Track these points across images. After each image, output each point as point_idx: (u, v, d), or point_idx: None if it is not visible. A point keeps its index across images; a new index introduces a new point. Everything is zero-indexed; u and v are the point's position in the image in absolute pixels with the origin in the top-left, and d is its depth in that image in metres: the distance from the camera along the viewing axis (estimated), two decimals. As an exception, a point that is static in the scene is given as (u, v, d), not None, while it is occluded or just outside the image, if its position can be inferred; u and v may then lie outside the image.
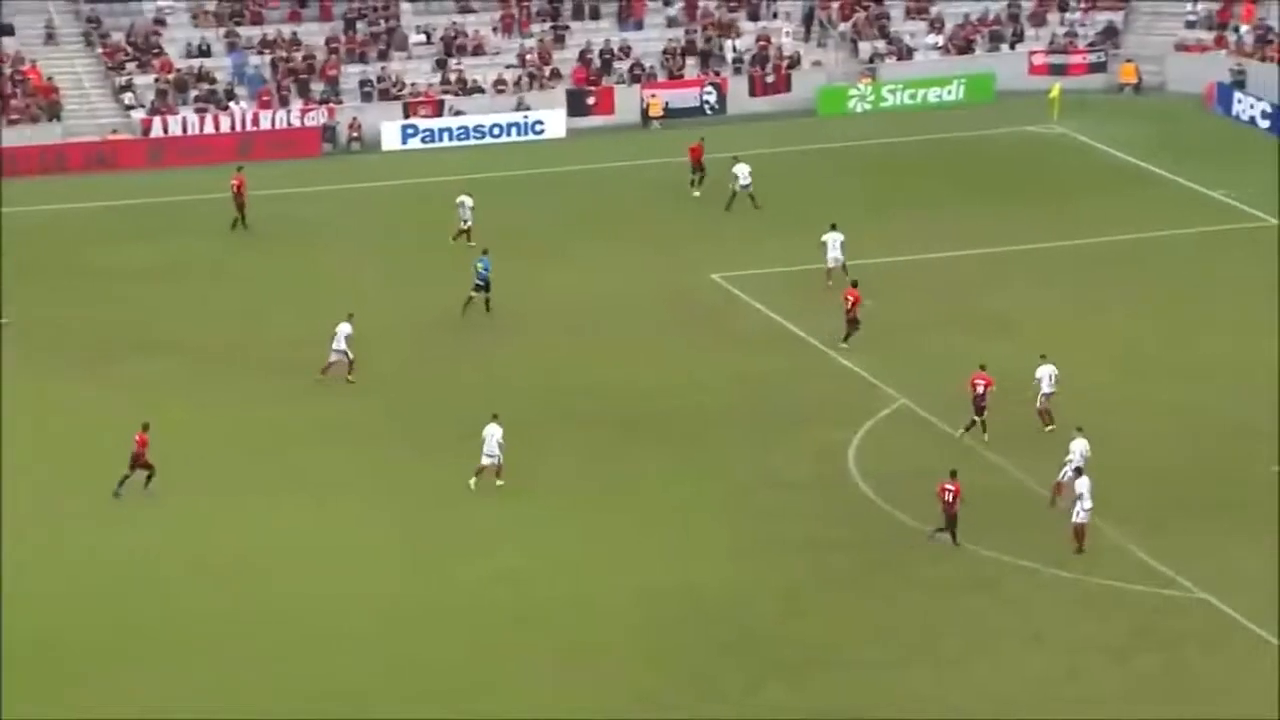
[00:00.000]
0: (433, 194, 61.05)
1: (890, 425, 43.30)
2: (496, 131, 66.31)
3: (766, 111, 68.14)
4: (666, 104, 67.82)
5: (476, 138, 66.10)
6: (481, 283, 49.13)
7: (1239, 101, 65.60)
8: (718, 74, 69.08)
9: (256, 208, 56.92)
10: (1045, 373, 42.05)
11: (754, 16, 71.35)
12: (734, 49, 69.84)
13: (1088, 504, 37.14)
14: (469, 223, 54.45)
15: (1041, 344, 44.69)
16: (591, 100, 67.76)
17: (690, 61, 69.56)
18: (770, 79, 69.02)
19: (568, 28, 70.44)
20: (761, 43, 69.95)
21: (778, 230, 56.14)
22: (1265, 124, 64.31)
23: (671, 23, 70.90)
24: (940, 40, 70.54)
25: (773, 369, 46.47)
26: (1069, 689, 32.82)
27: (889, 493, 39.95)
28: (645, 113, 67.66)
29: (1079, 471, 37.94)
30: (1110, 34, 70.80)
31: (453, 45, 68.92)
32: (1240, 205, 57.16)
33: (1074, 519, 37.24)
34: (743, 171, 56.69)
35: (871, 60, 69.95)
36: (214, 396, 44.94)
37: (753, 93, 68.73)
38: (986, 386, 41.55)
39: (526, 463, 41.29)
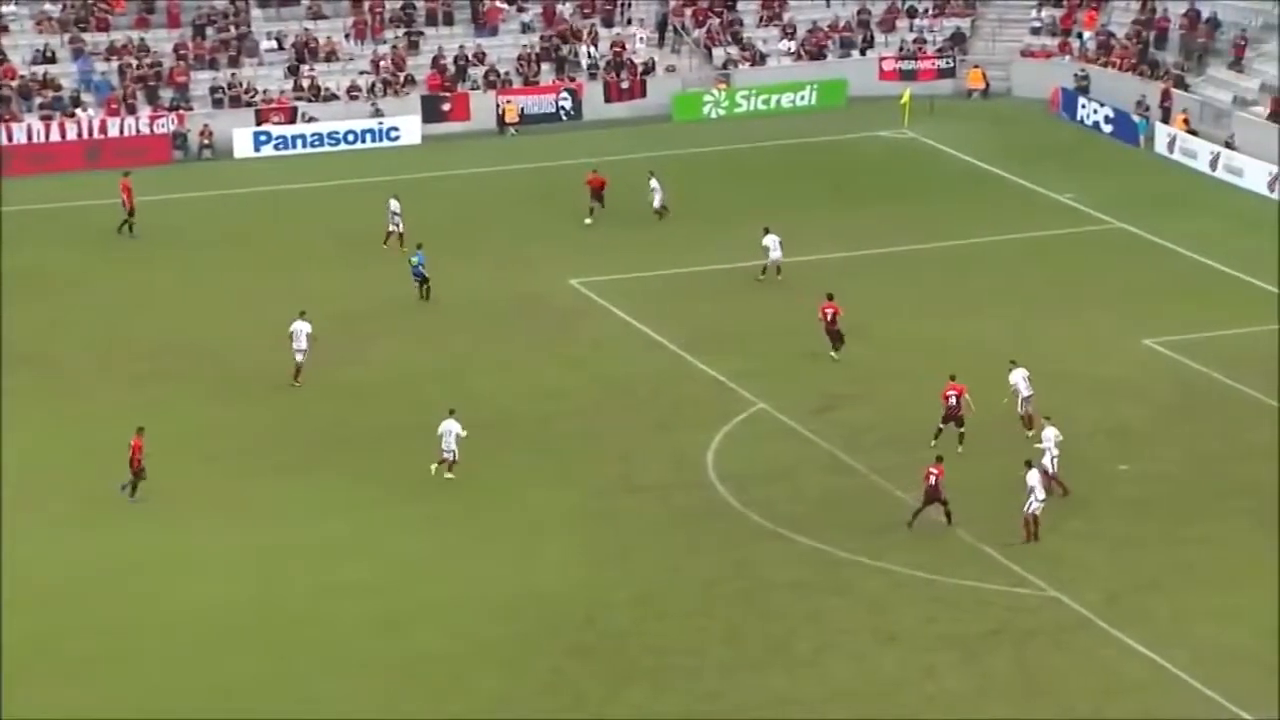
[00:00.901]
0: (288, 201, 60.71)
1: (748, 428, 43.61)
2: (351, 138, 65.89)
3: (622, 117, 68.35)
4: (522, 110, 67.78)
5: (331, 144, 65.62)
6: (417, 277, 50.43)
7: (1083, 106, 66.85)
8: (573, 80, 69.18)
9: (109, 216, 56.15)
10: (1019, 377, 41.72)
11: (608, 23, 71.53)
12: (589, 55, 69.98)
13: (1040, 495, 37.55)
14: (399, 227, 54.46)
15: (894, 346, 45.26)
16: (447, 106, 67.53)
17: (545, 67, 69.59)
18: (625, 85, 69.22)
19: (421, 34, 70.14)
20: (616, 49, 70.16)
21: (635, 235, 56.32)
22: (1108, 128, 65.60)
23: (526, 29, 70.86)
24: (792, 46, 71.20)
25: (631, 373, 46.61)
26: (923, 687, 33.23)
27: (746, 495, 40.23)
28: (501, 119, 67.57)
29: (1029, 464, 38.30)
30: (958, 40, 71.87)
31: (305, 51, 68.36)
32: (1085, 208, 58.23)
33: (1025, 509, 37.58)
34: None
35: (725, 66, 70.44)
36: (74, 409, 44.28)
37: (608, 98, 68.91)
38: (959, 395, 41.31)
39: (381, 470, 41.11)
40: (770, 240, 51.39)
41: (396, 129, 66.25)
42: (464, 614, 35.74)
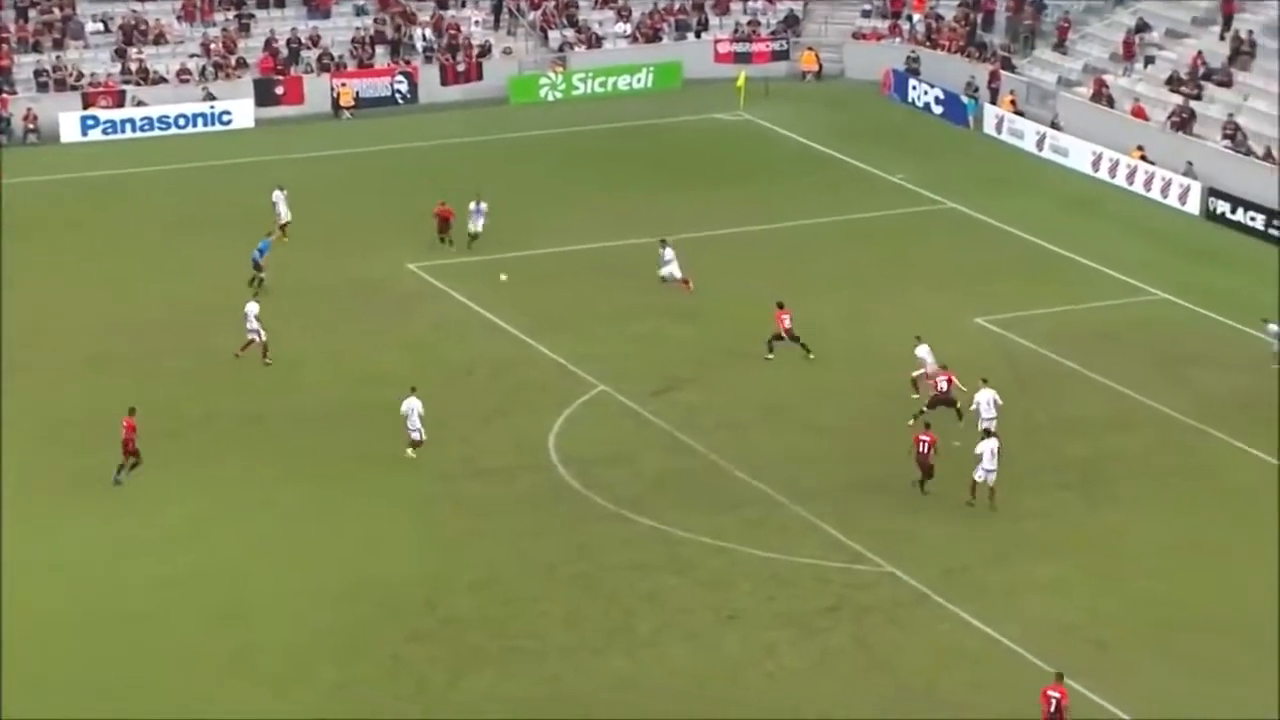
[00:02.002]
0: (117, 186, 59.66)
1: (589, 411, 43.70)
2: (182, 122, 64.90)
3: (458, 100, 68.05)
4: (357, 93, 67.21)
5: (161, 128, 64.59)
6: (255, 265, 49.44)
7: (913, 88, 67.76)
8: (408, 63, 68.72)
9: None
10: (985, 398, 40.98)
11: (443, 5, 71.13)
12: (424, 38, 69.54)
13: (989, 465, 38.01)
14: (286, 217, 53.29)
15: (730, 327, 45.55)
16: (280, 90, 66.76)
17: (380, 50, 69.04)
18: (461, 68, 68.91)
19: (253, 16, 69.24)
20: (451, 31, 69.79)
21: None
22: (938, 110, 66.57)
23: (360, 11, 70.23)
24: (628, 29, 71.32)
25: (471, 357, 46.49)
26: (762, 665, 33.58)
27: (588, 478, 40.34)
28: (336, 102, 66.94)
29: (987, 433, 38.65)
30: (791, 23, 72.46)
31: (132, 34, 67.17)
32: (916, 189, 59.07)
33: (974, 474, 38.13)
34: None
35: (561, 49, 70.39)
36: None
37: (444, 81, 68.55)
38: (949, 381, 41.28)
39: (214, 459, 40.63)
40: (668, 254, 49.67)
41: (229, 113, 65.36)
42: (302, 602, 35.45)
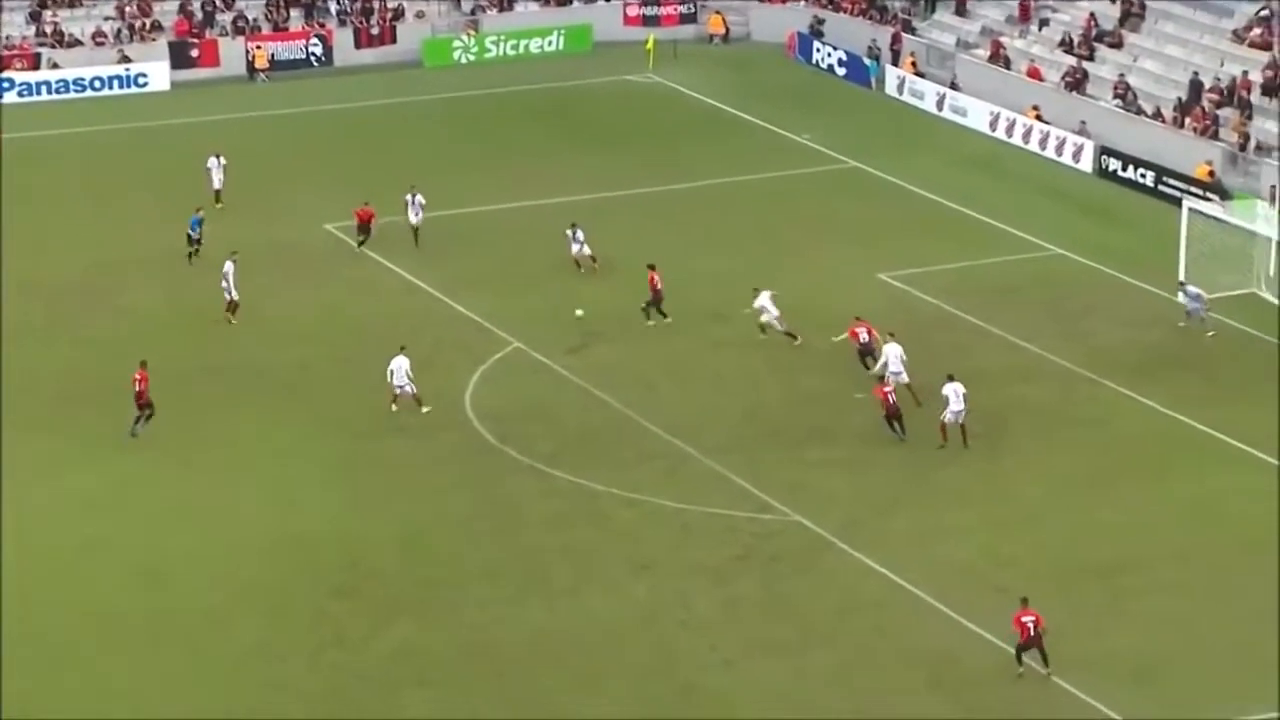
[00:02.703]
0: (34, 149, 58.89)
1: (504, 368, 43.73)
2: (98, 85, 64.19)
3: (373, 63, 67.62)
4: (272, 56, 66.65)
5: (77, 91, 63.87)
6: (191, 236, 48.47)
7: (818, 50, 67.97)
8: (323, 25, 68.17)
9: None
10: (893, 352, 40.94)
11: (357, -31, 70.60)
12: (338, 1, 69.00)
13: (956, 406, 38.62)
14: (218, 184, 52.24)
15: (643, 284, 45.62)
16: (195, 53, 66.12)
17: (295, 14, 68.45)
18: (376, 31, 68.46)
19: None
20: (365, -5, 69.35)
21: (390, 180, 55.86)
22: (842, 71, 66.83)
23: (274, -25, 69.60)
24: (539, -8, 71.14)
25: (388, 316, 46.36)
26: (675, 612, 33.84)
27: (503, 432, 40.41)
28: (251, 65, 66.34)
29: (950, 377, 38.90)
30: (699, -14, 72.51)
31: (49, -3, 66.35)
32: (821, 148, 59.33)
33: (941, 417, 38.77)
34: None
35: (474, 12, 70.05)
36: None
37: (358, 44, 68.10)
38: (870, 331, 41.17)
39: (129, 422, 40.38)
40: (579, 234, 48.63)
41: (145, 75, 64.71)
42: (223, 562, 35.33)
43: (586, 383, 42.78)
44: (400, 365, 40.72)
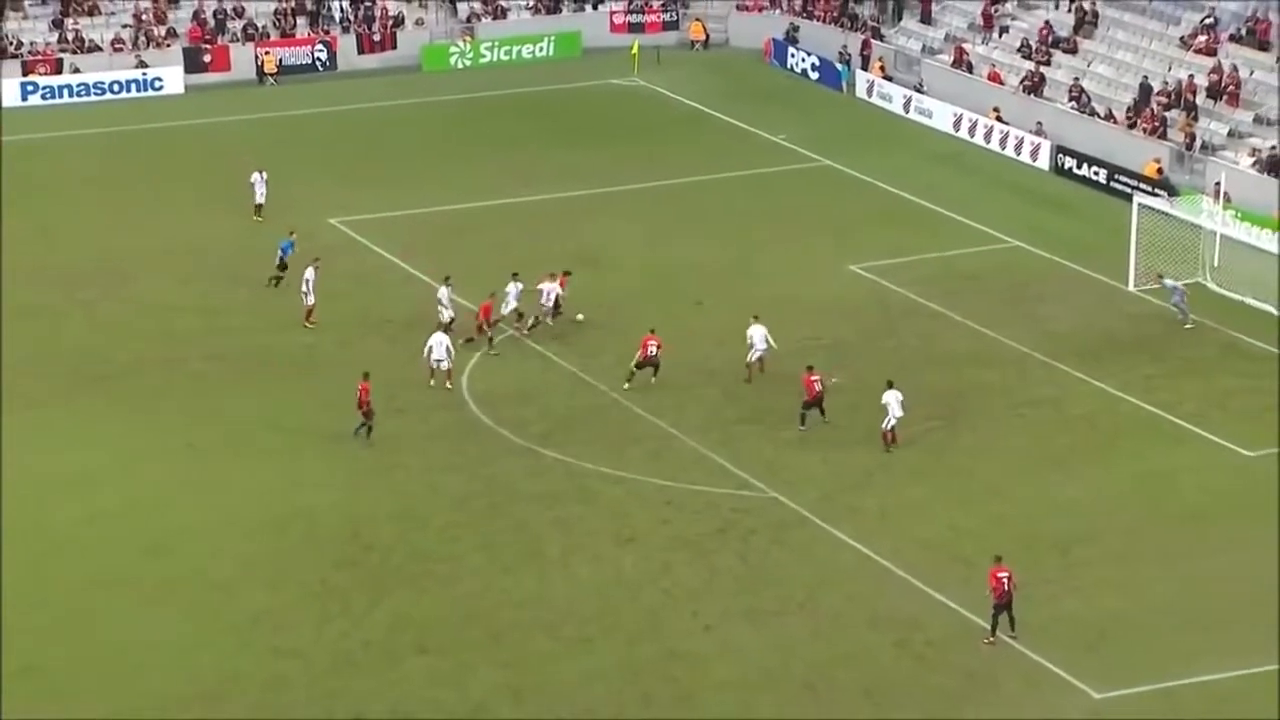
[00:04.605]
0: (54, 148, 58.77)
1: (497, 355, 43.66)
2: (116, 88, 64.06)
3: (375, 68, 67.49)
4: (280, 61, 66.53)
5: (97, 94, 63.75)
6: (279, 262, 46.45)
7: (792, 55, 67.91)
8: (328, 32, 68.04)
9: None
10: (758, 333, 40.90)
11: (360, -21, 70.44)
12: (341, 9, 68.89)
13: (896, 412, 38.34)
14: (261, 198, 51.25)
15: (629, 273, 45.59)
16: (207, 58, 66.00)
17: (301, 21, 68.34)
18: (377, 37, 68.32)
19: (182, -10, 68.38)
20: (368, 2, 69.14)
21: (390, 177, 55.91)
22: (815, 75, 66.78)
23: (282, -15, 69.42)
24: (531, 1, 70.94)
25: (389, 306, 46.30)
26: (659, 582, 33.87)
27: (497, 414, 40.40)
28: (260, 69, 66.23)
29: (890, 384, 38.68)
30: (681, -5, 72.40)
31: (69, 6, 66.09)
32: (796, 148, 59.31)
33: (883, 425, 38.52)
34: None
35: (469, 20, 69.95)
36: None
37: (361, 50, 67.97)
38: (822, 385, 40.30)
39: (136, 400, 40.32)
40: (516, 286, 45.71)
41: (160, 79, 64.59)
42: (228, 534, 35.27)
43: (574, 367, 42.76)
44: (440, 341, 40.77)
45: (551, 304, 44.16)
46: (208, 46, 66.22)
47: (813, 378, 39.53)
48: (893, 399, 38.83)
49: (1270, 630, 32.05)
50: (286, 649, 31.64)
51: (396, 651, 31.61)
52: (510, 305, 43.66)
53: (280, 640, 31.84)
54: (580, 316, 44.43)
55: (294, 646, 31.72)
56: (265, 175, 51.95)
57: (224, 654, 31.42)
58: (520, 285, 43.90)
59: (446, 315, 42.73)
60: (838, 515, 36.21)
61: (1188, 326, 44.78)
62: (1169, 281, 45.45)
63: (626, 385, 41.06)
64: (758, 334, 41.64)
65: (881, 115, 63.04)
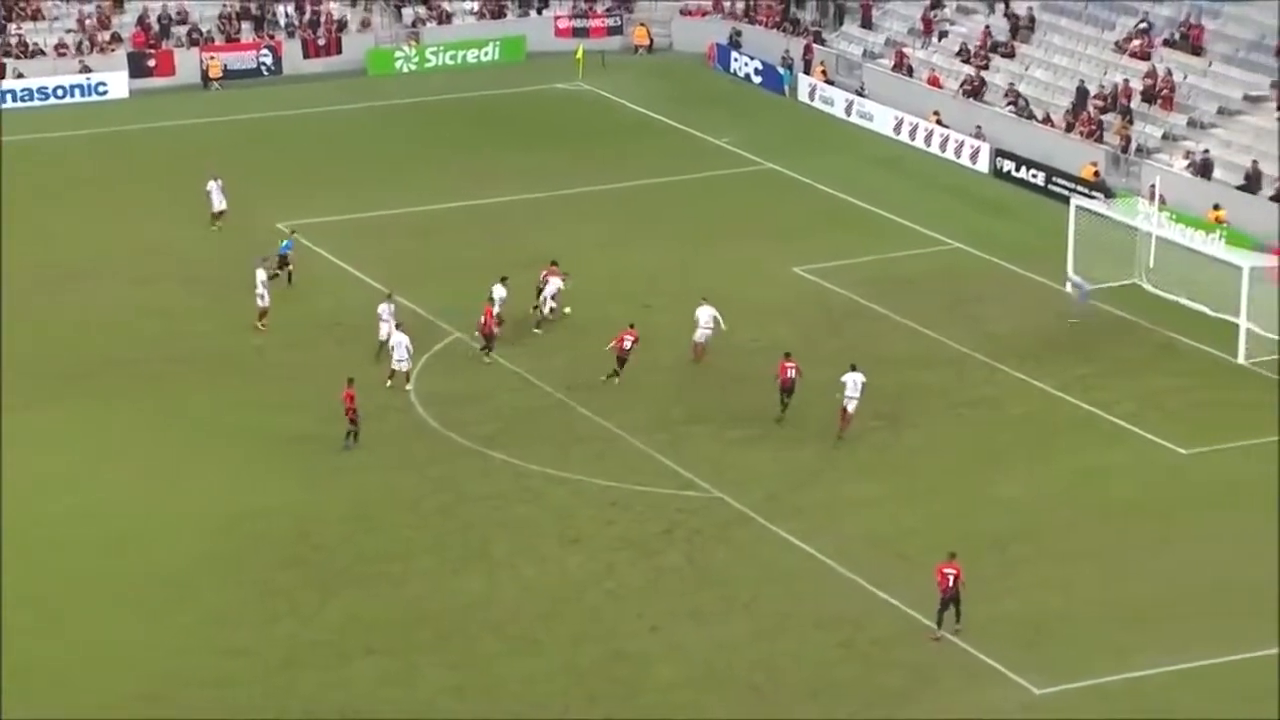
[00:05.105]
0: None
1: (445, 357, 43.73)
2: (60, 93, 63.65)
3: (320, 72, 67.28)
4: (225, 66, 66.24)
5: (41, 99, 63.29)
6: (280, 259, 46.63)
7: (735, 60, 68.19)
8: (273, 37, 67.79)
9: None
10: (851, 379, 40.10)
11: (305, -17, 70.22)
12: (286, 14, 68.63)
13: (851, 393, 38.87)
14: (220, 206, 50.91)
15: (575, 276, 45.67)
16: (152, 63, 65.67)
17: (246, 26, 68.04)
18: (323, 42, 68.12)
19: (125, -4, 68.00)
20: (314, 7, 68.96)
21: (338, 181, 55.80)
22: (758, 79, 67.07)
23: (227, -11, 69.15)
24: (476, 6, 70.91)
25: (338, 309, 46.24)
26: (604, 583, 34.00)
27: (446, 417, 40.44)
28: (205, 74, 65.93)
29: (853, 366, 39.22)
30: (624, 0, 72.46)
31: (12, 10, 65.63)
32: (739, 151, 59.56)
33: (843, 404, 39.04)
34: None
35: (414, 24, 69.84)
36: None
37: (306, 55, 67.73)
38: (797, 372, 40.29)
39: (97, 406, 40.14)
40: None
41: (104, 84, 64.21)
42: (182, 535, 35.25)
43: (521, 369, 42.85)
44: (400, 341, 40.62)
45: (552, 296, 44.39)
46: (152, 51, 65.90)
47: (788, 364, 39.74)
48: (850, 380, 39.17)
49: (1206, 625, 32.49)
50: (236, 648, 31.64)
51: (345, 651, 31.63)
52: (495, 310, 43.67)
53: (229, 640, 31.83)
54: (568, 310, 44.40)
55: (243, 646, 31.71)
56: (221, 183, 51.69)
57: (173, 653, 31.39)
58: (506, 291, 43.73)
59: (385, 330, 42.46)
60: (783, 515, 36.43)
61: (1071, 321, 45.28)
62: (1076, 279, 46.05)
63: (612, 380, 41.20)
64: (705, 314, 42.39)
65: (823, 119, 63.37)
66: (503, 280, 44.20)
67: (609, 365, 41.98)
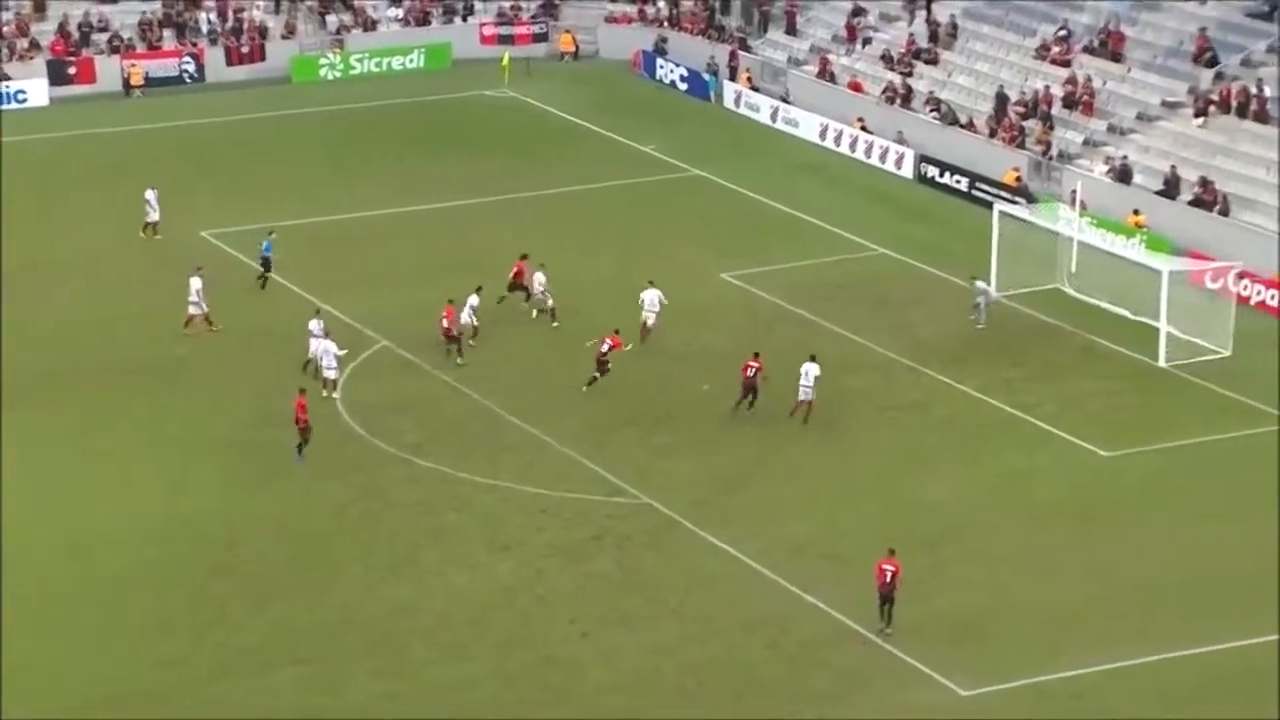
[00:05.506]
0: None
1: (373, 364, 43.60)
2: (-23, 101, 63.02)
3: (244, 79, 66.88)
4: (147, 73, 65.72)
5: (-43, 107, 62.63)
6: (263, 262, 46.81)
7: (661, 67, 68.40)
8: (195, 44, 67.32)
9: None
10: (805, 369, 40.29)
11: (228, -10, 69.81)
12: (208, 21, 68.19)
13: (807, 383, 39.52)
14: (155, 216, 50.57)
15: (500, 285, 45.66)
16: (72, 70, 65.03)
17: (168, 33, 67.55)
18: (246, 49, 67.72)
19: (45, 2, 67.15)
20: (236, 14, 68.54)
21: (263, 189, 55.49)
22: (684, 86, 67.32)
23: (147, -4, 68.66)
24: (400, 13, 70.75)
25: (264, 318, 45.99)
26: (535, 589, 34.06)
27: (372, 425, 40.34)
28: (127, 82, 65.37)
29: (812, 357, 39.78)
30: (549, 7, 72.46)
31: (-70, 18, 64.85)
32: (665, 158, 59.73)
33: (801, 396, 39.63)
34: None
35: (339, 31, 69.58)
36: None
37: (230, 62, 67.32)
38: (758, 370, 40.43)
39: (29, 415, 39.74)
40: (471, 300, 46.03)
41: (24, 92, 63.51)
42: (111, 545, 35.11)
43: (450, 377, 42.79)
44: (329, 349, 40.68)
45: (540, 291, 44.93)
46: (72, 59, 65.27)
47: (751, 363, 39.90)
48: (804, 370, 39.72)
49: (1130, 625, 32.93)
50: (164, 658, 31.49)
51: (273, 659, 31.52)
52: (465, 318, 43.54)
53: (164, 650, 31.67)
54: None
55: (172, 655, 31.57)
56: (157, 193, 51.31)
57: (101, 664, 31.22)
58: (479, 299, 43.77)
59: (315, 346, 42.21)
60: (710, 519, 36.60)
61: (979, 327, 45.76)
62: (980, 284, 46.54)
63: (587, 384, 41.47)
64: (650, 297, 43.67)
65: (749, 125, 63.68)
66: (477, 290, 44.06)
67: (534, 368, 42.00)
